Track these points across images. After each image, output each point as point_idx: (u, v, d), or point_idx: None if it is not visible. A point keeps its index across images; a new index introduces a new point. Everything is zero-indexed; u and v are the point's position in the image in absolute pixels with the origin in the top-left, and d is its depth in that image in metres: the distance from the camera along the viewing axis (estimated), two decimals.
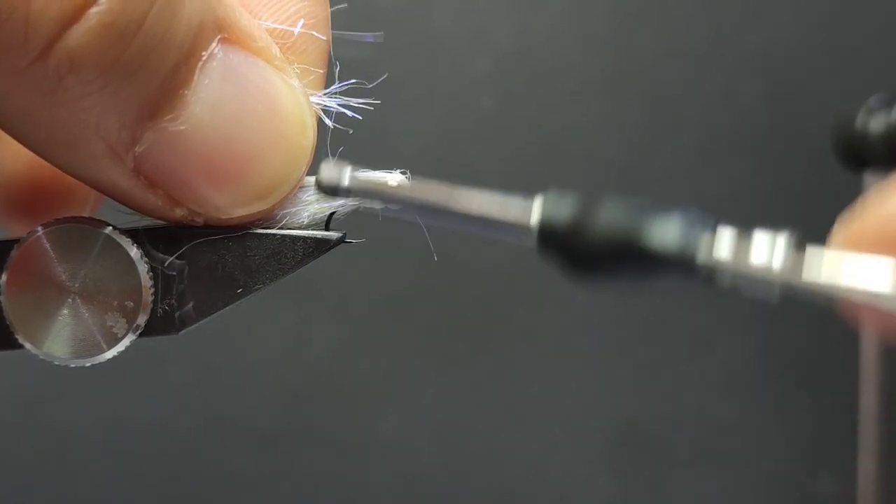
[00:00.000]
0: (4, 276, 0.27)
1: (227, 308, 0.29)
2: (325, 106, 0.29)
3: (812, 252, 0.24)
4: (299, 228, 0.29)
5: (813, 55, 0.87)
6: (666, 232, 0.24)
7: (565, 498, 0.88)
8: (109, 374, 0.73)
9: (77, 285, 0.27)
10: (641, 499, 0.88)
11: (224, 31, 0.26)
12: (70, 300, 0.27)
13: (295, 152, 0.27)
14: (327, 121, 0.29)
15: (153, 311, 0.28)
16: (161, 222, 0.28)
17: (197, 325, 0.29)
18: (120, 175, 0.26)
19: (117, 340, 0.28)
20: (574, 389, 0.87)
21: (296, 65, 0.29)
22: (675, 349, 0.88)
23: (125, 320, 0.27)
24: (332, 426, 0.87)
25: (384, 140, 0.81)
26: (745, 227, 0.25)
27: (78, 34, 0.23)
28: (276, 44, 0.28)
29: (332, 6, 0.32)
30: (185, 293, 0.28)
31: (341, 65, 0.30)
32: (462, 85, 0.87)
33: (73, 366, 0.28)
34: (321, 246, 0.29)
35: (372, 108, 0.29)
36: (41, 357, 0.28)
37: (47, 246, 0.27)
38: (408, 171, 0.30)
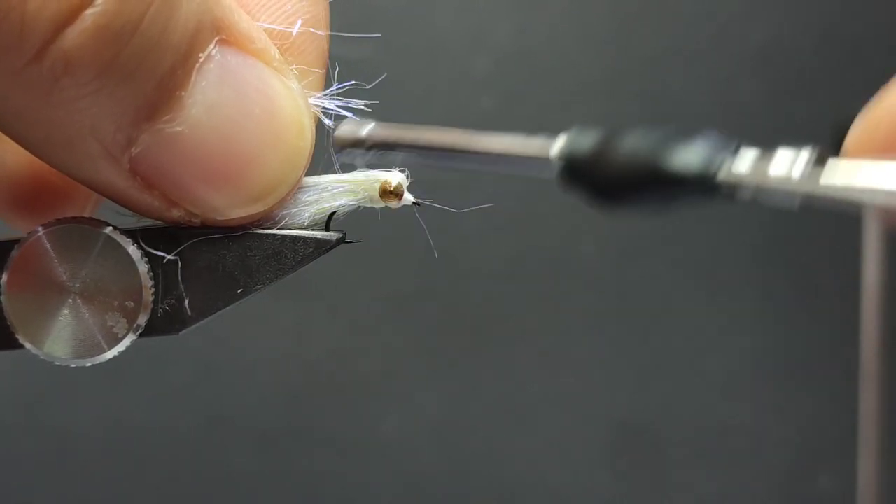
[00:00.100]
0: (5, 277, 0.27)
1: (228, 308, 0.29)
2: (324, 108, 0.29)
3: (832, 163, 0.24)
4: (299, 229, 0.29)
5: (813, 55, 0.87)
6: (689, 154, 0.25)
7: (565, 498, 0.88)
8: (110, 374, 0.73)
9: (77, 285, 0.27)
10: (641, 498, 0.88)
11: (222, 32, 0.25)
12: (71, 300, 0.27)
13: (293, 154, 0.27)
14: (327, 122, 0.29)
15: (154, 311, 0.28)
16: (161, 223, 0.28)
17: (197, 325, 0.29)
18: (116, 176, 0.26)
19: (118, 340, 0.28)
20: (574, 389, 0.87)
21: (294, 66, 0.29)
22: (675, 349, 0.88)
23: (126, 320, 0.28)
24: (332, 426, 0.87)
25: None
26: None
27: (73, 36, 0.23)
28: (275, 45, 0.28)
29: (331, 7, 0.31)
30: (185, 293, 0.28)
31: (341, 65, 0.30)
32: (462, 85, 0.87)
33: (73, 366, 0.28)
34: (321, 246, 0.29)
35: (371, 109, 0.29)
36: (42, 357, 0.28)
37: (48, 246, 0.27)
38: (406, 170, 0.30)
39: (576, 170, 0.26)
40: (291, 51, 0.29)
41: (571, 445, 0.88)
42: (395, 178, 0.30)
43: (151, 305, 0.28)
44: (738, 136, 0.25)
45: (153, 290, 0.28)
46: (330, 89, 0.29)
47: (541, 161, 0.27)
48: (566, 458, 0.88)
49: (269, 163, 0.27)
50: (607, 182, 0.26)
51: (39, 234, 0.27)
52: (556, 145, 0.27)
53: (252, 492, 0.87)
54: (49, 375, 0.82)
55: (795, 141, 0.26)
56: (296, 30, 0.29)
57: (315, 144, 0.28)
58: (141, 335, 0.28)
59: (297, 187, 0.29)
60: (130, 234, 0.28)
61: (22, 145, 0.26)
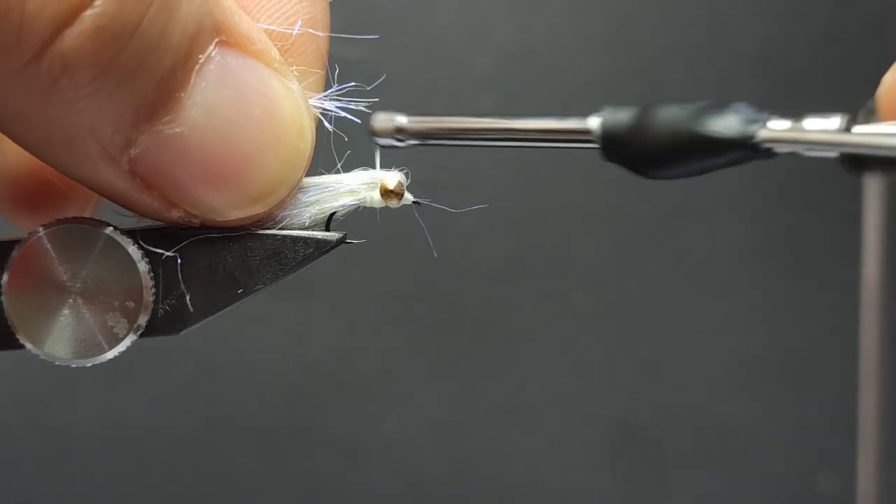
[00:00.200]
0: (6, 277, 0.27)
1: (228, 308, 0.29)
2: (324, 109, 0.29)
3: (859, 128, 0.27)
4: (300, 229, 0.29)
5: (813, 55, 0.87)
6: (728, 119, 0.28)
7: (565, 498, 0.88)
8: (110, 374, 0.73)
9: (78, 285, 0.27)
10: (641, 498, 0.88)
11: (222, 33, 0.25)
12: (71, 300, 0.27)
13: (292, 156, 0.27)
14: (327, 124, 0.29)
15: (154, 311, 0.28)
16: (161, 223, 0.28)
17: (198, 325, 0.29)
18: (115, 177, 0.26)
19: (118, 340, 0.28)
20: (574, 389, 0.87)
21: (294, 67, 0.29)
22: (675, 349, 0.88)
23: (126, 320, 0.28)
24: (332, 426, 0.87)
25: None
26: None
27: (72, 37, 0.23)
28: (275, 46, 0.27)
29: (330, 7, 0.31)
30: (185, 293, 0.28)
31: (340, 65, 0.30)
32: (462, 85, 0.87)
33: (74, 366, 0.28)
34: (322, 246, 0.29)
35: (371, 110, 0.29)
36: (42, 357, 0.28)
37: (48, 246, 0.27)
38: (407, 169, 0.30)
39: (618, 141, 0.29)
40: (291, 52, 0.29)
41: (571, 445, 0.88)
42: (395, 177, 0.30)
43: (152, 306, 0.28)
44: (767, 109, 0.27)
45: (154, 290, 0.28)
46: (330, 90, 0.29)
47: (582, 134, 0.29)
48: (566, 458, 0.88)
49: (269, 164, 0.27)
50: (650, 150, 0.28)
51: (40, 234, 0.27)
52: (595, 120, 0.29)
53: (252, 492, 0.87)
54: (49, 375, 0.82)
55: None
56: (296, 31, 0.29)
57: (315, 145, 0.28)
58: (141, 335, 0.28)
59: (298, 188, 0.29)
60: (131, 234, 0.28)
61: (21, 145, 0.26)
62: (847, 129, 0.28)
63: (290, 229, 0.29)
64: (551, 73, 0.87)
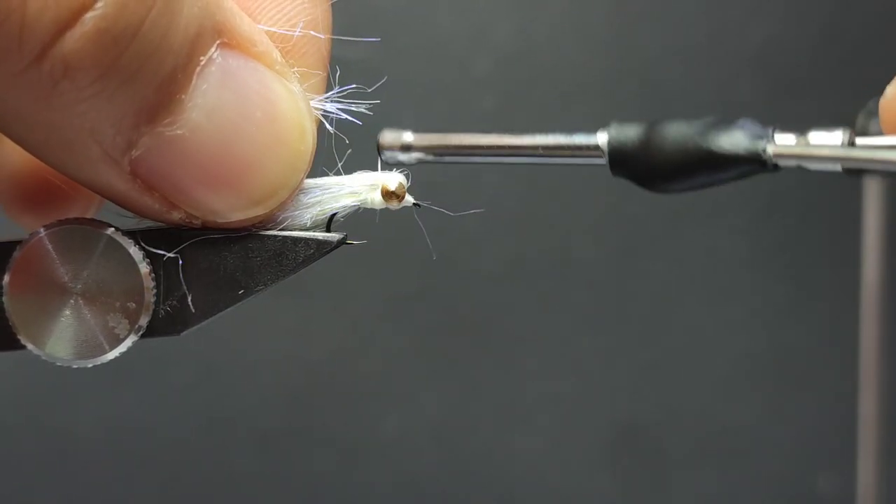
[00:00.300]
0: (7, 277, 0.27)
1: (229, 309, 0.29)
2: (325, 111, 0.29)
3: (862, 140, 0.28)
4: (301, 230, 0.29)
5: (813, 55, 0.87)
6: (734, 137, 0.28)
7: (565, 498, 0.88)
8: (111, 374, 0.73)
9: (79, 286, 0.27)
10: (641, 499, 0.88)
11: (223, 35, 0.25)
12: (72, 301, 0.27)
13: (293, 158, 0.27)
14: (328, 126, 0.29)
15: (155, 312, 0.28)
16: (162, 224, 0.28)
17: (199, 326, 0.29)
18: (116, 178, 0.26)
19: (119, 341, 0.28)
20: (574, 390, 0.88)
21: (296, 68, 0.29)
22: (675, 350, 0.88)
23: (127, 321, 0.28)
24: (332, 426, 0.87)
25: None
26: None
27: (73, 39, 0.23)
28: (277, 47, 0.27)
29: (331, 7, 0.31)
30: (186, 294, 0.28)
31: (341, 66, 0.30)
32: (463, 85, 0.87)
33: (75, 366, 0.28)
34: (322, 247, 0.29)
35: (372, 111, 0.29)
36: (43, 358, 0.28)
37: (49, 247, 0.27)
38: (407, 171, 0.30)
39: (626, 157, 0.29)
40: (293, 53, 0.29)
41: (571, 446, 0.88)
42: (396, 179, 0.30)
43: (153, 306, 0.28)
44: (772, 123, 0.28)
45: (155, 291, 0.28)
46: (331, 92, 0.29)
47: (589, 150, 0.30)
48: (566, 458, 0.88)
49: (270, 166, 0.27)
50: (659, 166, 0.29)
51: (41, 234, 0.27)
52: (603, 137, 0.30)
53: (252, 492, 0.87)
54: (50, 376, 0.83)
55: (793, 129, 0.28)
56: (297, 32, 0.29)
57: (316, 147, 0.28)
58: (142, 336, 0.28)
59: (299, 189, 0.29)
60: (132, 235, 0.28)
61: (22, 147, 0.26)
62: (851, 143, 0.28)
63: (292, 230, 0.29)
64: (551, 73, 0.87)
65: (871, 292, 0.72)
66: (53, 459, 0.86)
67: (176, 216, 0.27)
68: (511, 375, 0.88)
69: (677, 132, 0.29)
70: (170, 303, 0.28)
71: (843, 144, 0.28)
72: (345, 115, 0.29)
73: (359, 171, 0.30)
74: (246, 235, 0.28)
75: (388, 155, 0.31)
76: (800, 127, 0.29)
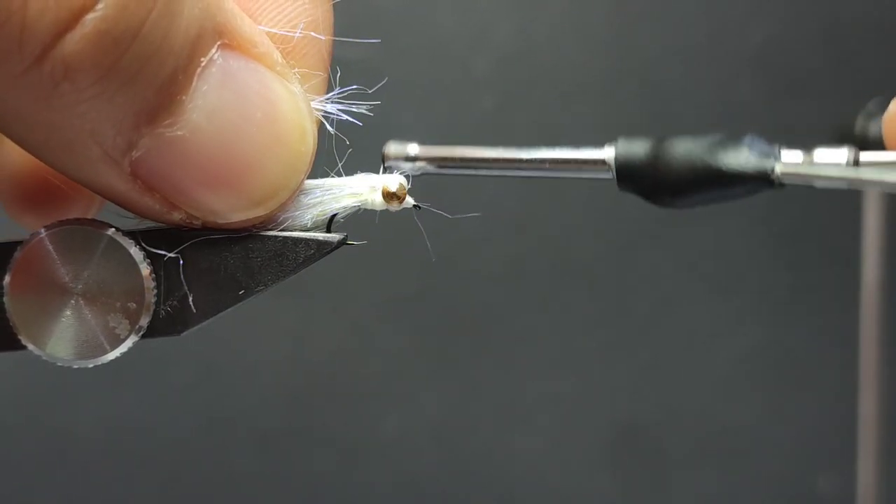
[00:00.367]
0: (8, 278, 0.27)
1: (230, 309, 0.29)
2: (326, 112, 0.29)
3: (867, 155, 0.29)
4: (301, 230, 0.29)
5: (813, 56, 0.87)
6: (742, 155, 0.29)
7: (565, 498, 0.88)
8: (111, 375, 0.73)
9: (80, 287, 0.27)
10: (641, 499, 0.88)
11: (224, 36, 0.25)
12: (73, 301, 0.27)
13: (294, 159, 0.27)
14: (329, 127, 0.29)
15: (156, 312, 0.28)
16: (163, 225, 0.28)
17: (199, 326, 0.29)
18: (117, 179, 0.26)
19: (120, 341, 0.28)
20: (573, 390, 0.88)
21: (297, 69, 0.28)
22: (675, 350, 0.88)
23: (128, 321, 0.28)
24: (332, 427, 0.87)
25: (385, 141, 0.81)
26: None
27: (73, 41, 0.23)
28: (278, 48, 0.27)
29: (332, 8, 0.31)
30: (187, 295, 0.28)
31: (341, 66, 0.30)
32: (463, 85, 0.87)
33: (75, 367, 0.28)
34: (323, 248, 0.29)
35: (373, 111, 0.29)
36: (44, 358, 0.28)
37: (50, 248, 0.27)
38: (408, 173, 0.30)
39: (633, 173, 0.30)
40: (293, 54, 0.29)
41: (571, 446, 0.88)
42: (397, 180, 0.30)
43: (153, 307, 0.28)
44: (777, 140, 0.28)
45: (155, 291, 0.28)
46: (332, 93, 0.29)
47: (597, 165, 0.30)
48: (566, 458, 0.88)
49: (271, 167, 0.27)
50: (667, 183, 0.29)
51: (42, 235, 0.27)
52: (610, 152, 0.30)
53: (253, 492, 0.87)
54: (51, 376, 0.83)
55: (794, 142, 0.28)
56: (298, 33, 0.29)
57: (317, 148, 0.28)
58: (143, 336, 0.28)
59: (300, 190, 0.29)
60: (132, 235, 0.28)
61: (22, 147, 0.26)
62: (855, 160, 0.29)
63: (292, 231, 0.29)
64: (551, 73, 0.87)
65: (871, 292, 0.72)
66: (53, 459, 0.86)
67: (176, 217, 0.27)
68: (511, 375, 0.88)
69: (685, 149, 0.29)
70: (170, 303, 0.28)
71: (848, 163, 0.29)
72: (345, 116, 0.29)
73: (360, 174, 0.30)
74: (246, 236, 0.28)
75: (392, 165, 0.31)
76: (804, 139, 0.29)
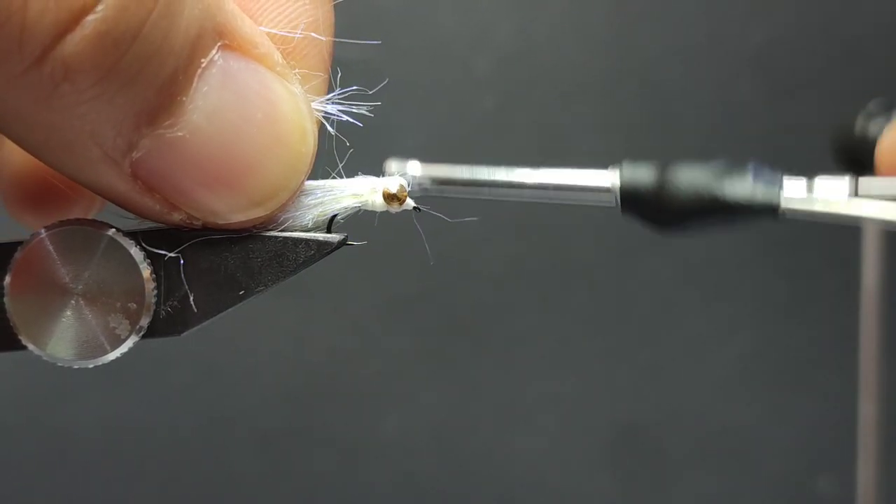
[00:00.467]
0: (8, 278, 0.27)
1: (230, 310, 0.29)
2: (327, 113, 0.29)
3: (865, 182, 0.29)
4: (302, 231, 0.29)
5: (813, 56, 0.87)
6: (744, 186, 0.29)
7: (565, 498, 0.88)
8: (111, 375, 0.73)
9: (80, 287, 0.27)
10: (641, 499, 0.88)
11: (224, 37, 0.25)
12: (73, 302, 0.27)
13: (294, 160, 0.27)
14: (329, 128, 0.29)
15: (156, 312, 0.28)
16: (163, 225, 0.28)
17: (199, 326, 0.29)
18: (117, 180, 0.26)
19: (120, 342, 0.28)
20: (574, 390, 0.88)
21: (298, 70, 0.28)
22: (675, 351, 0.88)
23: (128, 322, 0.28)
24: (332, 426, 0.87)
25: (386, 141, 0.81)
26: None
27: (73, 42, 0.23)
28: (278, 49, 0.27)
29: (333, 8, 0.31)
30: (187, 295, 0.28)
31: (342, 66, 0.30)
32: (464, 85, 0.87)
33: (76, 367, 0.28)
34: (323, 248, 0.29)
35: (373, 111, 0.29)
36: (45, 358, 0.28)
37: (50, 248, 0.27)
38: (408, 174, 0.30)
39: (639, 200, 0.30)
40: (294, 55, 0.29)
41: (571, 447, 0.88)
42: (397, 182, 0.30)
43: (154, 307, 0.28)
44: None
45: (156, 291, 0.28)
46: (332, 94, 0.29)
47: (601, 192, 0.30)
48: (566, 459, 0.88)
49: (271, 168, 0.27)
50: (673, 212, 0.29)
51: (42, 235, 0.27)
52: (614, 177, 0.30)
53: (253, 492, 0.87)
54: (51, 376, 0.83)
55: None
56: (298, 34, 0.29)
57: (317, 148, 0.28)
58: (143, 337, 0.28)
59: (300, 191, 0.29)
60: (133, 235, 0.28)
61: (22, 147, 0.26)
62: (855, 191, 0.29)
63: (292, 231, 0.29)
64: (551, 73, 0.87)
65: (870, 294, 0.72)
66: (53, 459, 0.86)
67: (177, 217, 0.27)
68: (511, 376, 0.88)
69: (690, 178, 0.29)
70: (171, 303, 0.28)
71: (850, 193, 0.29)
72: (346, 117, 0.29)
73: (360, 176, 0.30)
74: (247, 236, 0.28)
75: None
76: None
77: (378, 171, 0.30)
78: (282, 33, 0.29)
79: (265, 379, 0.87)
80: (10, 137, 0.26)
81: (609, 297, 0.88)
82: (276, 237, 0.29)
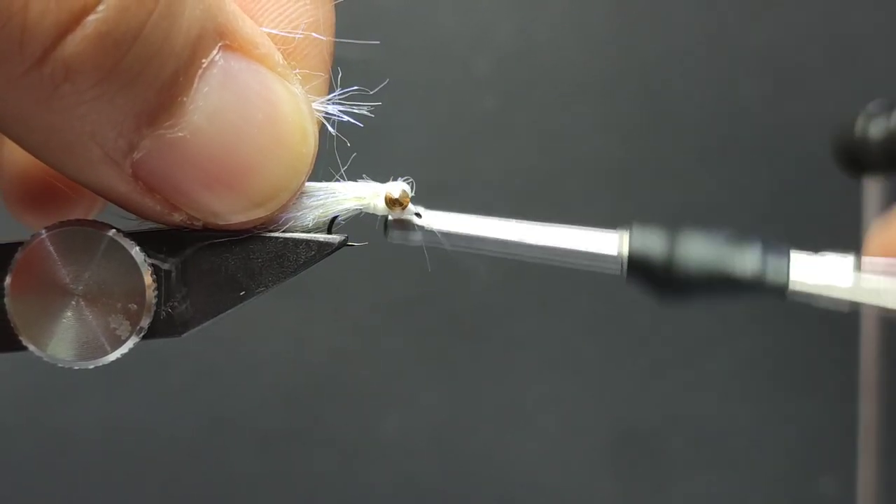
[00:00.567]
0: (8, 279, 0.27)
1: (231, 310, 0.29)
2: (327, 113, 0.29)
3: (868, 262, 0.29)
4: (302, 231, 0.29)
5: (813, 58, 0.87)
6: (751, 262, 0.29)
7: (565, 500, 0.88)
8: (111, 375, 0.73)
9: (81, 287, 0.27)
10: (641, 501, 0.88)
11: (225, 37, 0.25)
12: (74, 302, 0.27)
13: (295, 160, 0.27)
14: (330, 128, 0.29)
15: (156, 313, 0.28)
16: (163, 226, 0.28)
17: (200, 327, 0.29)
18: (117, 180, 0.26)
19: (121, 342, 0.28)
20: (574, 392, 0.88)
21: (298, 70, 0.28)
22: (675, 352, 0.88)
23: (129, 322, 0.28)
24: (332, 427, 0.87)
25: (387, 141, 0.81)
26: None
27: (74, 43, 0.23)
28: (279, 49, 0.27)
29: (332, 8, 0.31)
30: (188, 296, 0.28)
31: (342, 66, 0.30)
32: (464, 85, 0.87)
33: (76, 368, 0.28)
34: (324, 249, 0.29)
35: (374, 111, 0.29)
36: (45, 359, 0.28)
37: (51, 248, 0.27)
38: (411, 178, 0.30)
39: (647, 273, 0.30)
40: (295, 55, 0.29)
41: (571, 448, 0.88)
42: (400, 188, 0.30)
43: (154, 308, 0.28)
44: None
45: (156, 292, 0.28)
46: (333, 94, 0.29)
47: (607, 259, 0.31)
48: (566, 460, 0.88)
49: (272, 168, 0.27)
50: (681, 287, 0.30)
51: (43, 236, 0.27)
52: (622, 244, 0.30)
53: (253, 492, 0.87)
54: (50, 376, 0.83)
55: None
56: (299, 34, 0.29)
57: (318, 149, 0.28)
58: (144, 337, 0.28)
59: (300, 192, 0.29)
60: (133, 236, 0.28)
61: (23, 148, 0.26)
62: (859, 267, 0.30)
63: (293, 232, 0.29)
64: (551, 73, 0.87)
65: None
66: (53, 459, 0.86)
67: (177, 218, 0.27)
68: (511, 377, 0.88)
69: (700, 254, 0.30)
70: (171, 304, 0.28)
71: (854, 268, 0.29)
72: (346, 118, 0.29)
73: (363, 181, 0.30)
74: (247, 237, 0.28)
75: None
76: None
77: (377, 172, 0.30)
78: (282, 34, 0.29)
79: (265, 379, 0.87)
80: (10, 138, 0.26)
81: (609, 299, 0.88)
82: (277, 238, 0.29)
